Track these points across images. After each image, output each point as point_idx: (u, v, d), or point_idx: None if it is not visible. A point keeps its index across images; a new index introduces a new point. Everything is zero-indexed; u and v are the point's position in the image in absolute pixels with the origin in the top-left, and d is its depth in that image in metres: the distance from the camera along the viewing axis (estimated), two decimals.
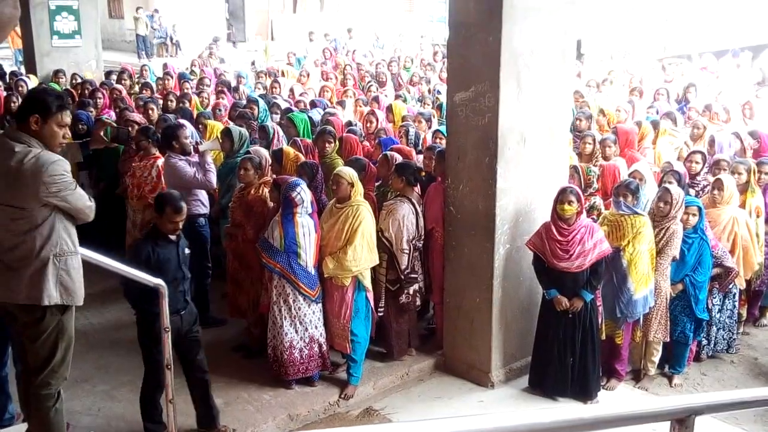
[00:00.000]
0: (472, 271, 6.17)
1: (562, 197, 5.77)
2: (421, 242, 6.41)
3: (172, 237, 5.20)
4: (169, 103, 10.39)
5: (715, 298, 6.75)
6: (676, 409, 2.24)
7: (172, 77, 13.29)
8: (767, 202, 7.22)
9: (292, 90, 11.93)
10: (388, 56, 16.80)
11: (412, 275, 6.30)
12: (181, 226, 5.18)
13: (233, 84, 12.57)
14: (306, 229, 5.81)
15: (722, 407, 2.47)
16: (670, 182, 6.69)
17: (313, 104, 10.21)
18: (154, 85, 12.66)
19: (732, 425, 5.82)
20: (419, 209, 6.38)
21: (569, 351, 5.89)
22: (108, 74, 14.19)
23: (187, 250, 5.33)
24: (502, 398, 6.05)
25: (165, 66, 14.57)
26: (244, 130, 7.74)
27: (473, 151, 5.98)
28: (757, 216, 7.00)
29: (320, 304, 5.96)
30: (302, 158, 7.01)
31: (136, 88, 12.60)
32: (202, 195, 7.20)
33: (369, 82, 12.36)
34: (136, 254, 5.19)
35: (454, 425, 1.87)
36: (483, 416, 1.90)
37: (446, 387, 6.31)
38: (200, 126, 8.72)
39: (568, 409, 2.03)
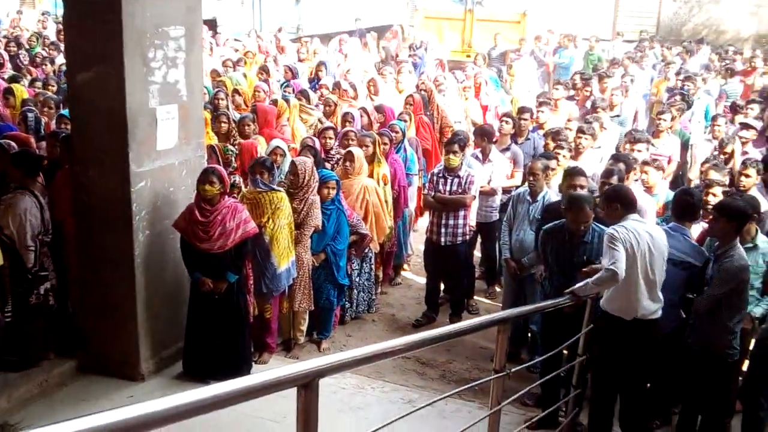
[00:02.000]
0: (111, 262, 5.83)
1: (203, 178, 5.68)
2: (50, 236, 5.89)
3: None
4: None
5: (353, 263, 7.19)
6: (298, 374, 2.29)
7: None
8: (392, 171, 7.84)
9: None
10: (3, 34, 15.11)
11: (42, 273, 5.77)
12: None
13: None
14: None
15: (343, 367, 2.59)
16: (307, 157, 6.94)
17: None
18: None
19: (375, 379, 6.27)
20: (44, 201, 5.84)
21: (219, 332, 5.85)
22: None
23: None
24: (154, 389, 5.83)
25: None
26: None
27: (102, 135, 5.62)
28: (385, 184, 7.56)
29: None
30: None
31: None
32: None
33: None
34: None
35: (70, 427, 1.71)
36: (95, 415, 1.75)
37: (93, 388, 5.91)
38: None
39: (186, 394, 1.96)
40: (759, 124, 9.00)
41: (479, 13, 18.33)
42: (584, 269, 5.18)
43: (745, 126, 8.47)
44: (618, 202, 5.12)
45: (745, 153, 7.91)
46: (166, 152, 5.85)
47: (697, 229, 5.87)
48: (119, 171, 5.59)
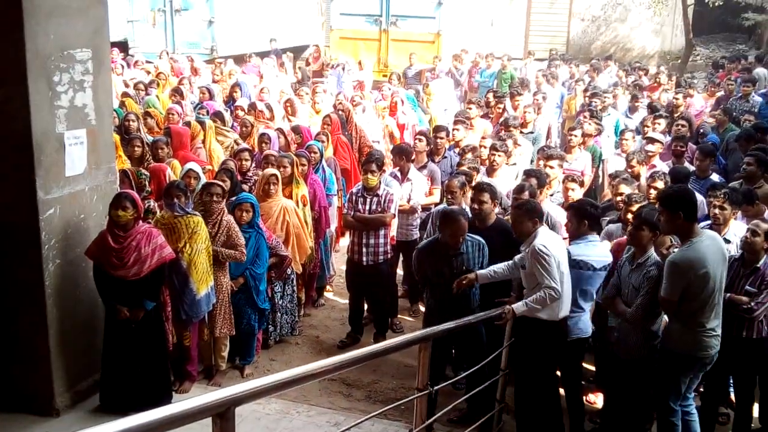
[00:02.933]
0: (21, 293, 5.59)
1: (116, 203, 5.52)
2: None
3: None
4: None
5: (275, 285, 7.09)
6: (212, 404, 2.22)
7: None
8: (311, 192, 7.79)
9: None
10: None
11: None
12: None
13: None
14: None
15: (259, 394, 2.52)
16: (224, 180, 6.84)
17: None
18: None
19: (301, 403, 6.19)
20: None
21: (137, 362, 5.68)
22: None
23: None
24: (69, 425, 5.59)
25: None
26: None
27: (7, 161, 5.41)
28: (304, 205, 7.51)
29: None
30: None
31: None
32: None
33: None
34: None
35: None
36: None
37: (5, 425, 5.63)
38: None
39: (97, 429, 1.88)
40: (665, 138, 9.33)
41: (394, 33, 18.53)
42: (460, 280, 5.54)
43: (651, 140, 8.77)
44: (537, 217, 5.39)
45: (652, 166, 8.18)
46: (76, 178, 5.67)
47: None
48: (26, 199, 5.38)
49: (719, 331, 5.07)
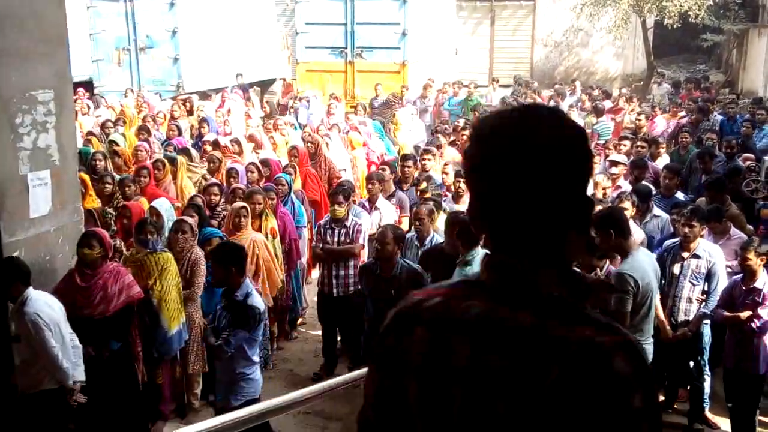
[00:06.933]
0: None
1: (83, 241, 5.51)
2: None
3: None
4: None
5: None
6: None
7: None
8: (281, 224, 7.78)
9: None
10: None
11: None
12: None
13: None
14: None
15: (229, 430, 2.50)
16: (191, 215, 6.82)
17: None
18: None
19: None
20: None
21: (106, 404, 5.60)
22: None
23: None
24: None
25: None
26: None
27: None
28: (273, 237, 7.48)
29: None
30: None
31: None
32: None
33: None
34: None
35: None
36: None
37: None
38: None
39: None
40: (627, 159, 9.42)
41: (360, 64, 18.64)
42: None
43: (614, 163, 8.85)
44: None
45: (618, 187, 8.26)
46: (40, 219, 5.63)
47: None
48: None
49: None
